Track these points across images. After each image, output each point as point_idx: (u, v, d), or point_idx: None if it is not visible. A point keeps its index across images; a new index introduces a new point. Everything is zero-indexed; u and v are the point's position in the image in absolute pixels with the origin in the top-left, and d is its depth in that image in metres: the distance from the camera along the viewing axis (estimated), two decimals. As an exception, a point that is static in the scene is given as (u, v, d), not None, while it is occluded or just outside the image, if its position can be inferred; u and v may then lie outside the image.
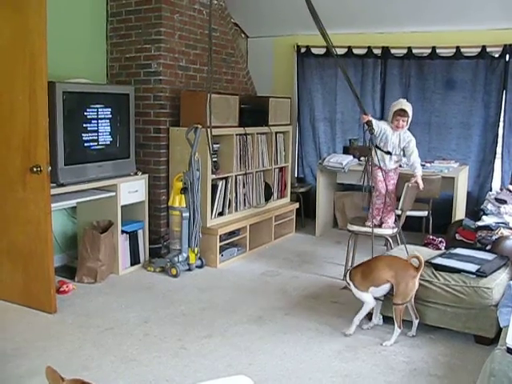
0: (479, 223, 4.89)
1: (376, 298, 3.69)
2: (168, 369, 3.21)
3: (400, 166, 4.91)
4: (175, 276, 4.83)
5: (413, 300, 3.61)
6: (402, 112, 4.57)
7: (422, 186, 4.65)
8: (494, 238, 4.61)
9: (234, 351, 3.45)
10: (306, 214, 6.92)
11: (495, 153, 6.32)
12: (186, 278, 4.84)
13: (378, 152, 4.71)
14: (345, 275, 3.91)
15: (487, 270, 3.63)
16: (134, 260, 5.06)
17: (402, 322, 3.55)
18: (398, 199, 4.77)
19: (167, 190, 5.34)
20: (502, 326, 3.14)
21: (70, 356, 3.31)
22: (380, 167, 4.64)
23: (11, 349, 3.38)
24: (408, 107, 4.60)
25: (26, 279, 4.01)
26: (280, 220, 6.27)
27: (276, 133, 6.20)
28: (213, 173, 5.15)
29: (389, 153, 4.69)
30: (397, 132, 4.64)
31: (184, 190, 4.84)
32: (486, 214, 5.01)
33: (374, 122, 4.54)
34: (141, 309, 4.11)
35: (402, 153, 4.74)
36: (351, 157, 6.32)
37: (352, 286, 3.69)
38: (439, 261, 3.82)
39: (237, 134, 5.51)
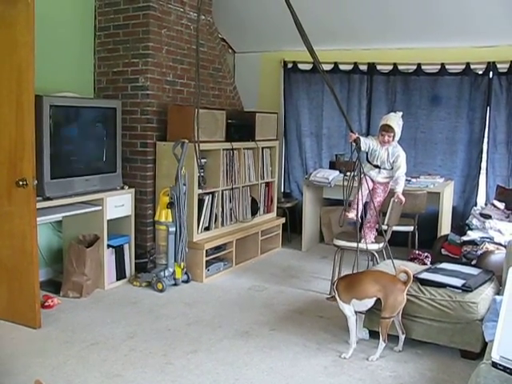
0: (464, 238, 4.92)
1: (358, 312, 3.69)
2: (154, 384, 3.18)
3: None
4: (161, 291, 4.81)
5: (400, 315, 3.62)
6: (386, 127, 4.60)
7: (403, 200, 4.69)
8: (479, 252, 4.64)
9: (220, 366, 3.43)
10: (292, 228, 6.93)
11: (480, 168, 6.39)
12: (172, 293, 4.82)
13: (368, 165, 4.74)
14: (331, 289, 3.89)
15: (473, 284, 3.65)
16: (120, 274, 5.03)
17: (387, 336, 3.55)
18: (384, 214, 4.80)
19: (154, 204, 5.33)
20: (487, 340, 3.15)
21: (54, 372, 3.27)
22: (364, 176, 4.57)
23: (-6, 365, 3.34)
24: (394, 122, 4.61)
25: (10, 294, 3.97)
26: (266, 235, 6.27)
27: (262, 148, 6.21)
28: (200, 187, 5.15)
29: (377, 166, 4.73)
30: (385, 147, 4.67)
31: (170, 205, 4.84)
32: (471, 229, 5.04)
33: (362, 139, 4.55)
34: (126, 324, 4.08)
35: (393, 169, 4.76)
36: (337, 172, 6.35)
37: (336, 295, 3.69)
38: (425, 275, 3.83)
39: (223, 149, 5.51)
